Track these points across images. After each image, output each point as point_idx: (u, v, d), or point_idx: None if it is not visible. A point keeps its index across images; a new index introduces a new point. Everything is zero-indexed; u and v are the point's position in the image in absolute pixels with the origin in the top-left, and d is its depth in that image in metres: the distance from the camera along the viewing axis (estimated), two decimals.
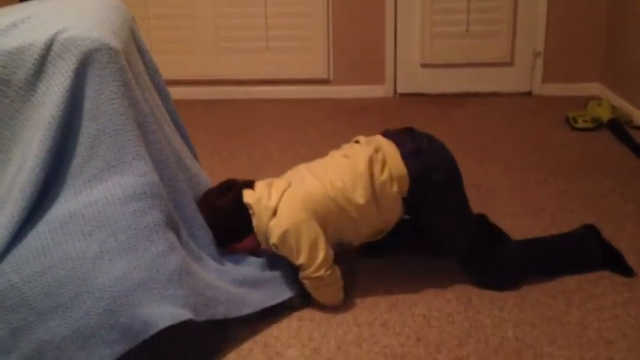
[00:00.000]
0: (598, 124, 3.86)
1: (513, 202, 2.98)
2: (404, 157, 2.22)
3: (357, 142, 2.35)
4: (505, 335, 2.07)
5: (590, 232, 2.49)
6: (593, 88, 4.52)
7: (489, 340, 2.06)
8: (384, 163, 2.22)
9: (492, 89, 4.66)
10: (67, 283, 1.80)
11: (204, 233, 2.22)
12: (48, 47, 1.90)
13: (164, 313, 1.83)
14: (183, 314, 1.85)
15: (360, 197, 2.18)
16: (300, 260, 2.14)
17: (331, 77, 4.74)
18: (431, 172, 2.22)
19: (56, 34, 1.90)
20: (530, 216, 2.82)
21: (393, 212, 2.27)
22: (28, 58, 1.90)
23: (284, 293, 2.24)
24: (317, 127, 4.13)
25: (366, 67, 4.70)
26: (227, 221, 2.25)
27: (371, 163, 2.21)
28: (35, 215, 1.87)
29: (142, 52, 2.46)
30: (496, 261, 2.34)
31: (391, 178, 2.20)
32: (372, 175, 2.19)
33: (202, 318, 1.93)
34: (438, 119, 4.20)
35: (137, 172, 1.94)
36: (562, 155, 3.52)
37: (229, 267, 2.23)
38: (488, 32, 4.53)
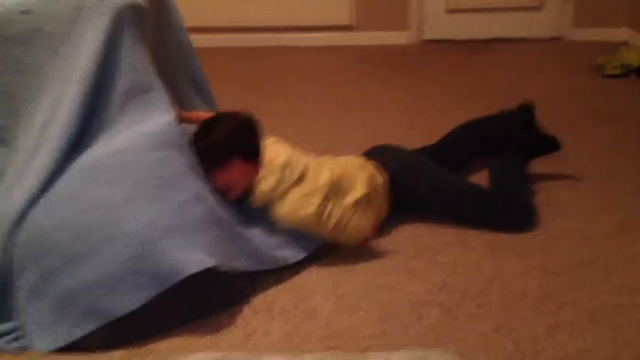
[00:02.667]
0: (628, 70, 3.78)
1: None
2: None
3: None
4: (528, 283, 2.07)
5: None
6: (623, 33, 4.40)
7: (512, 287, 2.06)
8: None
9: (520, 34, 4.56)
10: (95, 229, 1.84)
11: None
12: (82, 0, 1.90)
13: (191, 259, 1.85)
14: (208, 261, 1.87)
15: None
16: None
17: (354, 23, 4.67)
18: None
19: None
20: (554, 163, 2.77)
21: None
22: (61, 9, 1.89)
23: (302, 252, 2.21)
24: (340, 75, 4.09)
25: (390, 12, 4.62)
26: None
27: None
28: (66, 165, 1.90)
29: (168, 10, 2.44)
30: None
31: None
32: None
33: (227, 267, 1.95)
34: (464, 66, 4.14)
35: (162, 122, 1.95)
36: (590, 102, 3.46)
37: (254, 220, 2.23)
38: None
